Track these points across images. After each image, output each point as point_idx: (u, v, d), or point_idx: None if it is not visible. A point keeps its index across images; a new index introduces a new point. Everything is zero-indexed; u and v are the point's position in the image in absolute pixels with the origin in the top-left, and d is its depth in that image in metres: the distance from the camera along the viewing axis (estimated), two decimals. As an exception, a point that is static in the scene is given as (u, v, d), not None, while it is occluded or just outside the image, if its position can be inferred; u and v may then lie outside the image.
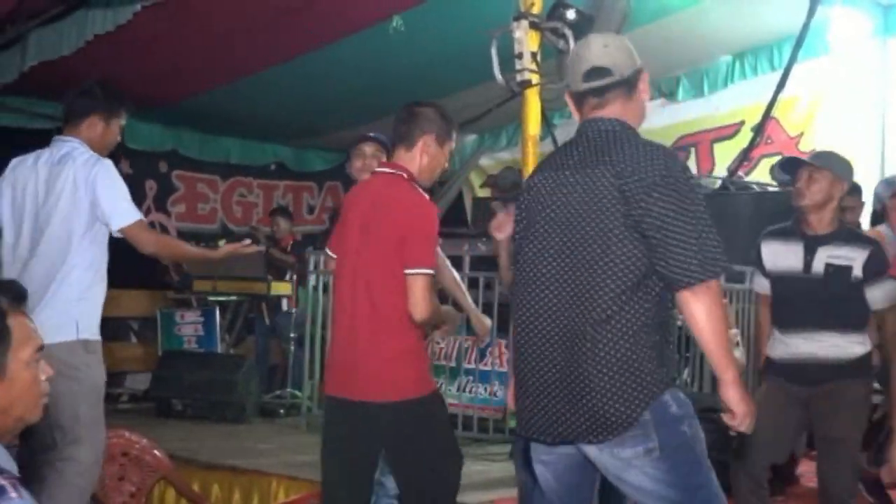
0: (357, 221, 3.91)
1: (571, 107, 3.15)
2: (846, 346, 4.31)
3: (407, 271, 3.73)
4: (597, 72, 3.04)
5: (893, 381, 4.02)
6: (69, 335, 4.12)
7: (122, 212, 4.28)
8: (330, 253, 4.10)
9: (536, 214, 3.03)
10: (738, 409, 2.85)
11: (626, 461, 2.85)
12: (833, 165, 4.41)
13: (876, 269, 4.31)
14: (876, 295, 4.33)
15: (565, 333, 2.90)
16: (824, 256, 4.32)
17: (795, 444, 4.86)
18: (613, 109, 3.04)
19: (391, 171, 3.95)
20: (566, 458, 3.00)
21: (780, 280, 4.46)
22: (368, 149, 4.87)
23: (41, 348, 2.20)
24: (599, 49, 3.07)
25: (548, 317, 2.95)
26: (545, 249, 3.00)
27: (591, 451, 2.90)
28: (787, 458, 4.84)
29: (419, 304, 3.72)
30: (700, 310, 2.81)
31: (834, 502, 4.35)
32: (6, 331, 2.14)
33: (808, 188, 4.34)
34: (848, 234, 4.47)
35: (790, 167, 4.50)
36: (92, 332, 4.23)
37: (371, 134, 4.94)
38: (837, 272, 4.29)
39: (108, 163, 4.35)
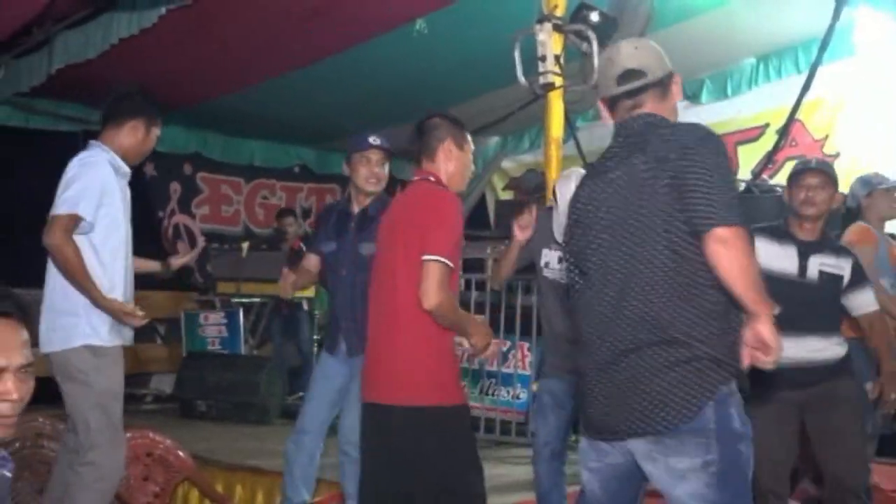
0: (386, 228, 3.98)
1: (605, 112, 3.15)
2: (831, 347, 4.42)
3: (423, 257, 3.67)
4: (630, 74, 3.05)
5: (884, 363, 4.50)
6: (75, 342, 4.14)
7: (60, 201, 4.22)
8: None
9: (593, 222, 3.03)
10: (774, 343, 2.76)
11: (681, 473, 2.85)
12: (834, 176, 4.52)
13: (860, 276, 4.50)
14: (862, 300, 4.51)
15: (626, 328, 2.92)
16: (817, 263, 4.41)
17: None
18: (649, 109, 3.06)
19: (419, 177, 4.01)
20: (614, 468, 3.03)
21: (772, 282, 4.42)
22: (374, 156, 4.89)
23: (25, 367, 2.16)
24: (631, 52, 3.09)
25: (603, 309, 2.97)
26: (601, 250, 3.00)
27: (647, 464, 2.91)
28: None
29: (429, 290, 3.63)
30: (726, 252, 2.78)
31: (849, 497, 4.37)
32: None
33: (817, 197, 4.39)
34: (833, 243, 4.62)
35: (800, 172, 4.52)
36: (101, 337, 4.21)
37: (376, 141, 4.92)
38: (831, 280, 4.42)
39: (82, 160, 4.33)
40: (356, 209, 4.96)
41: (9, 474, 2.25)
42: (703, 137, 2.90)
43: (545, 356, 5.35)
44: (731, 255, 2.77)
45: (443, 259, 3.67)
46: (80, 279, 4.15)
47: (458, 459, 3.77)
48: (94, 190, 4.22)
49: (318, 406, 4.97)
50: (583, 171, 5.01)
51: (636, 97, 3.05)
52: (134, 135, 4.44)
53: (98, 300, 4.18)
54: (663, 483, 2.89)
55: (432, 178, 3.94)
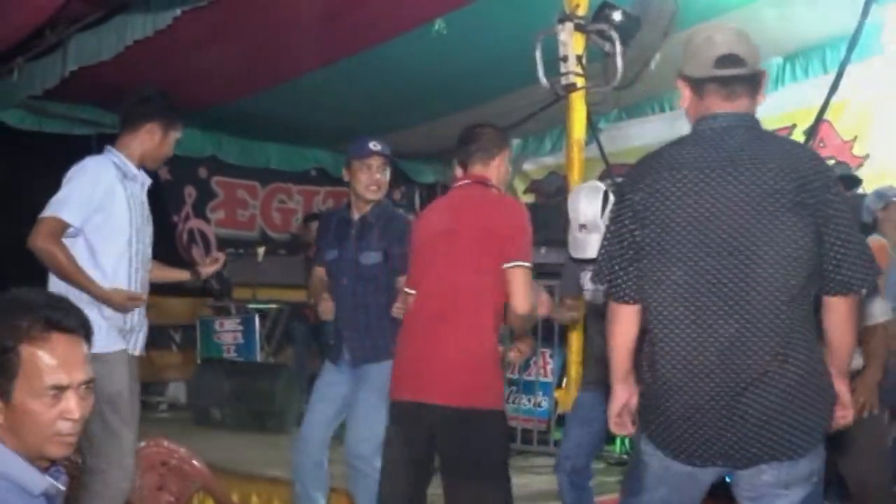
0: (439, 228, 4.11)
1: (686, 93, 3.06)
2: (855, 358, 4.42)
3: (506, 266, 3.90)
4: (730, 59, 2.96)
5: (870, 369, 4.54)
6: None
7: (47, 205, 4.25)
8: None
9: (677, 216, 2.92)
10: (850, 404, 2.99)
11: (786, 484, 2.90)
12: None
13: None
14: (872, 310, 4.57)
15: (738, 338, 2.87)
16: None
17: None
18: (742, 104, 2.98)
19: (472, 180, 4.17)
20: (701, 490, 3.06)
21: None
22: (375, 163, 4.89)
23: (60, 388, 2.15)
24: (733, 36, 2.99)
25: (714, 322, 2.89)
26: (698, 252, 2.91)
27: (748, 472, 2.92)
28: None
29: (522, 295, 3.88)
30: (849, 316, 2.89)
31: (877, 495, 4.40)
32: (13, 359, 2.13)
33: None
34: None
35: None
36: (99, 345, 4.22)
37: (377, 147, 4.91)
38: None
39: (79, 166, 4.34)
40: (356, 216, 4.96)
41: (63, 487, 2.25)
42: (832, 174, 2.95)
43: (584, 369, 5.38)
44: (852, 324, 2.90)
45: (528, 264, 3.93)
46: (71, 275, 4.20)
47: (497, 463, 3.97)
48: (83, 195, 4.24)
49: (321, 414, 4.99)
50: (601, 186, 5.01)
51: (731, 86, 2.95)
52: (150, 139, 4.45)
53: (96, 292, 4.22)
54: (764, 495, 2.95)
55: (490, 184, 4.15)
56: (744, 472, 2.93)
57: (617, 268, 3.02)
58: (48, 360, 2.14)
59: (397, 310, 4.38)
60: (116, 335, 4.28)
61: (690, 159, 2.92)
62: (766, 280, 2.83)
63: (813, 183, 2.83)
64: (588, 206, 4.83)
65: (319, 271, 5.18)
